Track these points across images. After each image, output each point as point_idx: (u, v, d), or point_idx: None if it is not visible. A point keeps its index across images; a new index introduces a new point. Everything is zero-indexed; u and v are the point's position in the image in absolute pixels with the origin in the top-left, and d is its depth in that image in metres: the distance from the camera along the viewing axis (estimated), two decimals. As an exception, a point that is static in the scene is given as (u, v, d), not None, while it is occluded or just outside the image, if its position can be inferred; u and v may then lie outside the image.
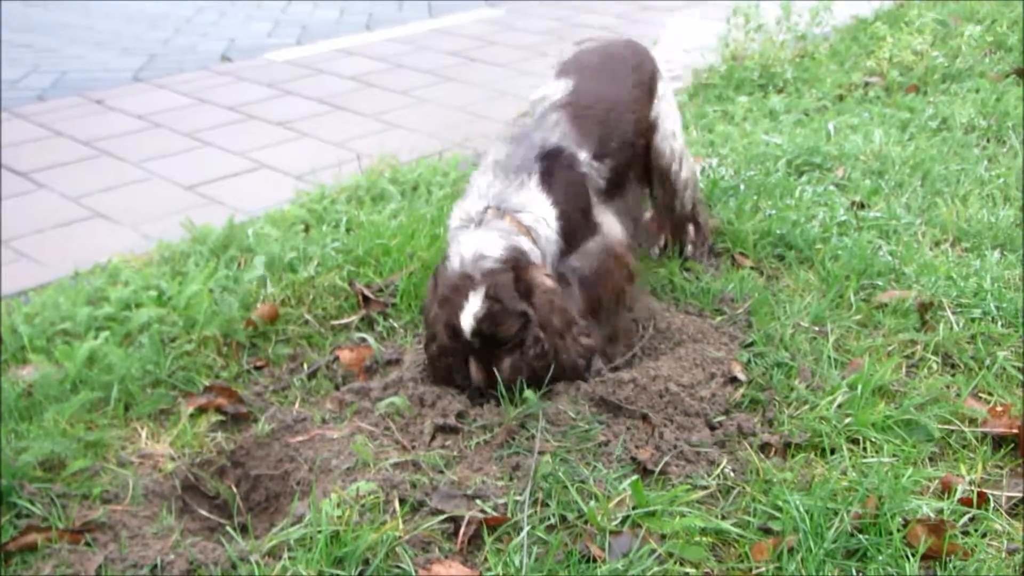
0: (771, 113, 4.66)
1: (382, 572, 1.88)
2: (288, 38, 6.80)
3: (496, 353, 2.31)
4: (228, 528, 2.03)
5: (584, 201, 2.56)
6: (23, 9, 7.64)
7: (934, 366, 2.61)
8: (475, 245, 2.28)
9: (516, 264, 2.28)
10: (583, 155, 2.58)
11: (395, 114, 5.08)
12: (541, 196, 2.43)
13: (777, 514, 2.02)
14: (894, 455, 2.22)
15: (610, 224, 2.62)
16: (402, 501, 2.05)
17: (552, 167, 2.48)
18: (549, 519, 2.02)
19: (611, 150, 2.67)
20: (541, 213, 2.43)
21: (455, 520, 2.00)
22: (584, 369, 2.42)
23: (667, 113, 3.01)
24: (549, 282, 2.33)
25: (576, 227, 2.52)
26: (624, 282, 2.59)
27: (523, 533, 1.94)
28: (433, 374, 2.46)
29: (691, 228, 3.17)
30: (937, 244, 3.28)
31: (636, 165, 2.92)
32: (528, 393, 2.32)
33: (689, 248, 3.17)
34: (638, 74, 2.92)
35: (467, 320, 2.23)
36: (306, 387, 2.57)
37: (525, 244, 2.36)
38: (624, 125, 2.77)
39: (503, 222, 2.37)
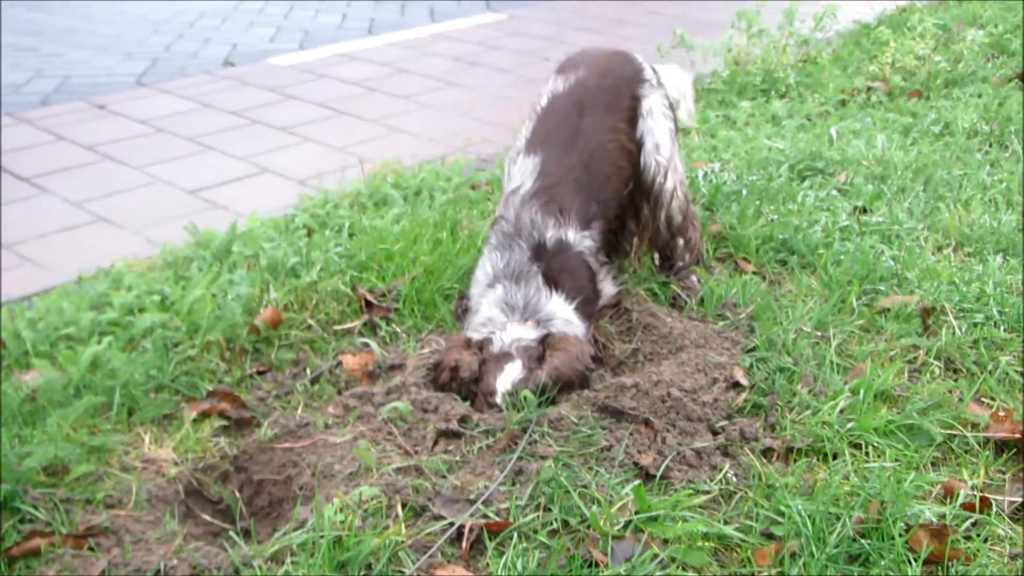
0: (773, 118, 4.66)
1: (385, 577, 1.89)
2: (291, 43, 6.81)
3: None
4: (231, 533, 2.04)
5: (589, 276, 2.72)
6: (26, 13, 7.67)
7: (936, 371, 2.61)
8: (514, 334, 2.50)
9: (544, 338, 2.51)
10: (572, 234, 2.69)
11: (397, 119, 5.09)
12: (558, 299, 2.60)
13: (779, 519, 2.02)
14: (896, 460, 2.22)
15: (607, 291, 2.79)
16: (404, 506, 2.05)
17: (550, 264, 2.63)
18: (551, 524, 2.02)
19: (594, 213, 2.76)
20: (564, 316, 2.59)
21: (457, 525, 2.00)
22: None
23: (651, 129, 2.92)
24: (570, 338, 2.52)
25: (586, 301, 2.68)
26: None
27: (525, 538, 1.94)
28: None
29: (680, 242, 3.03)
30: (939, 249, 3.29)
31: (626, 205, 2.95)
32: (526, 393, 2.34)
33: (679, 263, 3.04)
34: (614, 109, 2.87)
35: (504, 384, 2.41)
36: (309, 392, 2.58)
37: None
38: (600, 179, 2.80)
39: (539, 329, 2.54)
